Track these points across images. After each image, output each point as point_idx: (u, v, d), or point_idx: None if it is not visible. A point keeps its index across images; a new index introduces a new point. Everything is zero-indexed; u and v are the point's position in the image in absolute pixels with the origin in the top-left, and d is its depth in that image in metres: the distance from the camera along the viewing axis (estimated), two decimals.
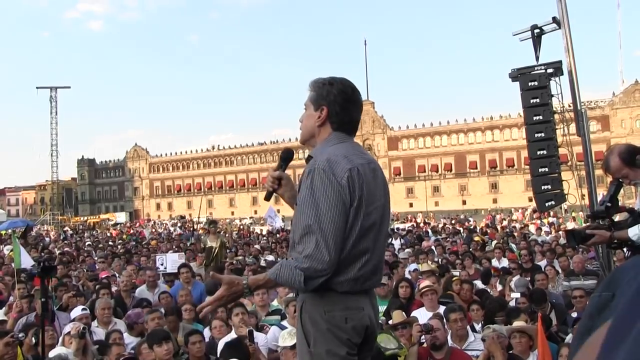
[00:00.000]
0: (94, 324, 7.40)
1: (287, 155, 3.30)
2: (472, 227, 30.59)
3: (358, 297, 2.86)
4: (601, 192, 6.94)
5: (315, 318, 2.81)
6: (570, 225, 24.37)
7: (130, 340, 6.75)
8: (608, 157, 4.30)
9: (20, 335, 5.89)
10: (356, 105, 3.07)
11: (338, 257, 2.73)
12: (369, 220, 2.83)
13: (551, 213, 35.29)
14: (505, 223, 36.76)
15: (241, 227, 49.20)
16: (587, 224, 4.90)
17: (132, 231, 47.74)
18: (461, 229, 30.28)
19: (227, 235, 15.83)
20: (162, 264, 11.58)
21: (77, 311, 7.22)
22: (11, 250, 14.17)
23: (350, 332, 2.81)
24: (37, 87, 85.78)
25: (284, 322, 6.78)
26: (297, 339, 3.02)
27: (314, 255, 2.68)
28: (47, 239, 36.32)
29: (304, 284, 2.70)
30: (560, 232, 21.83)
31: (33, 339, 6.19)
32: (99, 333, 7.10)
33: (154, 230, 50.76)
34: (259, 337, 6.28)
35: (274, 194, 3.28)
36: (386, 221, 3.02)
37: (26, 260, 9.87)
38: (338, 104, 2.98)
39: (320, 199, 2.75)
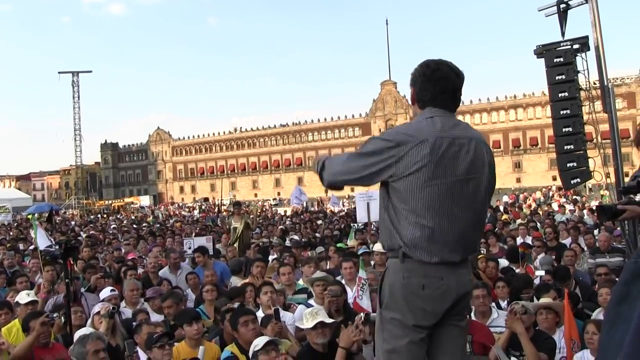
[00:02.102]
0: (122, 304, 7.53)
1: None
2: (495, 206, 30.35)
3: (438, 267, 2.98)
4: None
5: (394, 284, 3.03)
6: (595, 204, 24.12)
7: (155, 318, 6.85)
8: None
9: (54, 315, 6.00)
10: (437, 82, 3.18)
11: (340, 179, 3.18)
12: (433, 192, 2.94)
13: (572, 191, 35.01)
14: (529, 202, 36.53)
15: (264, 208, 49.39)
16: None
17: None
18: None
19: (251, 216, 15.96)
20: (189, 248, 12.06)
21: (105, 292, 7.35)
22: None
23: (426, 300, 2.97)
24: (59, 72, 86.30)
25: (311, 301, 6.80)
26: (377, 301, 3.25)
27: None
28: (73, 222, 36.82)
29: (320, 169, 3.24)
30: (585, 211, 21.63)
31: (62, 318, 6.30)
32: (127, 313, 7.23)
33: (177, 212, 51.36)
34: (286, 316, 6.31)
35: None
36: (464, 199, 3.04)
37: (42, 241, 9.94)
38: (418, 85, 3.25)
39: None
